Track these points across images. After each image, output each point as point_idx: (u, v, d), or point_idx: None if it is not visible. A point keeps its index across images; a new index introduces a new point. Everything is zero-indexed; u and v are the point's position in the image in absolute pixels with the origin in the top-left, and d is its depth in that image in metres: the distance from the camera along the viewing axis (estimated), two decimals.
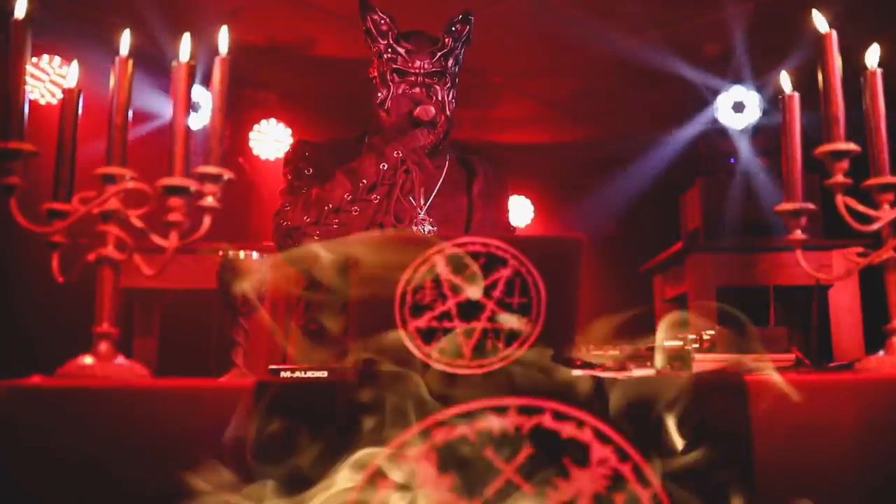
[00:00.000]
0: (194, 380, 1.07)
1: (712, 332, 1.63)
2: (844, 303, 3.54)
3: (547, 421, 1.07)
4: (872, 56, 1.36)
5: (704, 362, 1.57)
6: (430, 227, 2.26)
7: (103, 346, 1.13)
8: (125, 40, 1.22)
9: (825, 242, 3.37)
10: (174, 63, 1.16)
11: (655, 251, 4.33)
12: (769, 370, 1.39)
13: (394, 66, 2.24)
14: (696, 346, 1.66)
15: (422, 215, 2.28)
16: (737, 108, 4.30)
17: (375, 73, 2.30)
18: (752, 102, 4.29)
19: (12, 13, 1.18)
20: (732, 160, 4.21)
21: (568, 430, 1.07)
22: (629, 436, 1.06)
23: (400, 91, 2.25)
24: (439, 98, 2.25)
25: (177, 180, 1.10)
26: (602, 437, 1.07)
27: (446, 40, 2.26)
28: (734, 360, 1.55)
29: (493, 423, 1.06)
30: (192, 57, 1.16)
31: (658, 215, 4.87)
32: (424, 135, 2.23)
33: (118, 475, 1.01)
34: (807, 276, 3.56)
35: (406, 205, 2.24)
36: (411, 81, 2.24)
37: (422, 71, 2.23)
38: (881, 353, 1.32)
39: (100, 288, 1.14)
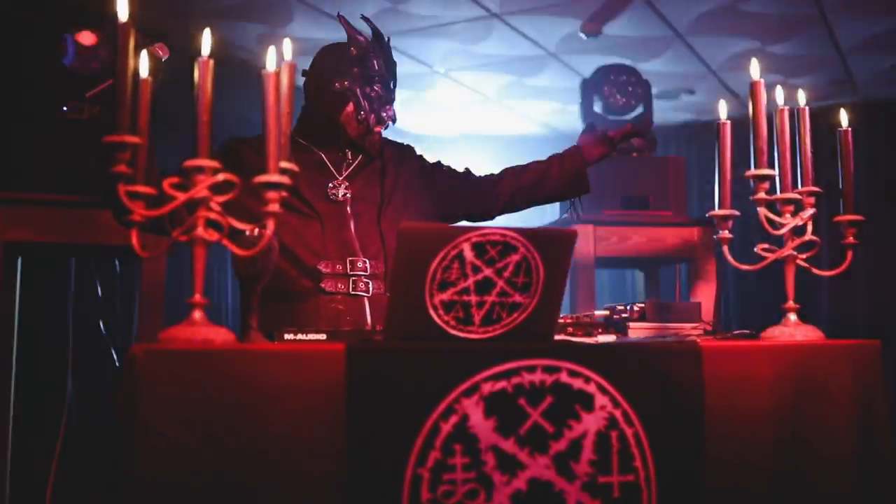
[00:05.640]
0: (293, 343, 1.32)
1: (642, 304, 2.00)
2: (703, 275, 4.09)
3: (563, 377, 1.41)
4: (780, 98, 1.77)
5: (638, 329, 1.94)
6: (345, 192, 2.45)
7: (197, 315, 1.35)
8: (206, 40, 1.38)
9: (690, 220, 3.89)
10: (265, 70, 1.36)
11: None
12: (698, 336, 1.80)
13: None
14: (627, 315, 2.03)
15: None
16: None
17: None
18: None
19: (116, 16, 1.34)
20: None
21: (578, 384, 1.42)
22: (620, 388, 1.42)
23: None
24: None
25: (274, 177, 1.33)
26: (602, 389, 1.43)
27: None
28: (662, 329, 1.93)
29: (525, 378, 1.39)
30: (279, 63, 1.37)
31: None
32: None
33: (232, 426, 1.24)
34: (676, 251, 4.01)
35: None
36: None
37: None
38: (781, 325, 1.72)
39: (194, 265, 1.35)
